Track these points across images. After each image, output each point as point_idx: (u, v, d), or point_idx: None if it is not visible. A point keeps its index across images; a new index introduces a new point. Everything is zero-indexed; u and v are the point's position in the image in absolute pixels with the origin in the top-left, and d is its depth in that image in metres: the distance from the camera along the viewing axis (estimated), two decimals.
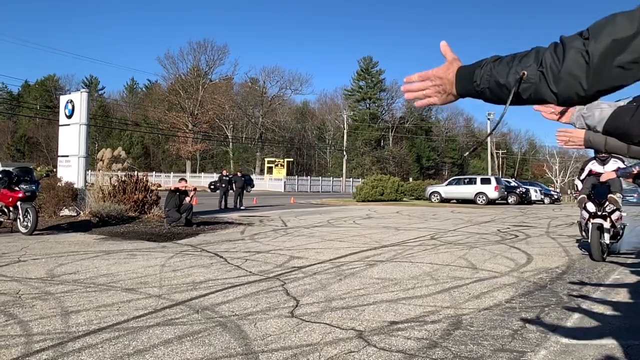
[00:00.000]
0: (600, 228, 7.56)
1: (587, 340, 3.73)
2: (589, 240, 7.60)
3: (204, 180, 51.14)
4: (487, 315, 4.32)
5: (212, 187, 17.00)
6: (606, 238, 7.57)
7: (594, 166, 7.99)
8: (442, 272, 6.38)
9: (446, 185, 31.54)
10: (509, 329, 3.93)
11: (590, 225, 7.65)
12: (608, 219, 7.61)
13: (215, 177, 50.03)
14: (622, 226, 8.03)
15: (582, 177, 8.20)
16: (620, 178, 7.11)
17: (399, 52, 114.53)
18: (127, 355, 3.17)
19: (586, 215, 7.87)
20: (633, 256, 8.18)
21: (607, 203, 7.59)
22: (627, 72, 1.01)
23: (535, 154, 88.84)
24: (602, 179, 7.23)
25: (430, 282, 5.73)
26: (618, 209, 7.70)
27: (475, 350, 3.41)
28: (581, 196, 7.90)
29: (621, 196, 7.69)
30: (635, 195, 31.13)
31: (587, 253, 7.99)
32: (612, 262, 7.53)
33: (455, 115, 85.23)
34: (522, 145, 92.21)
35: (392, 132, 75.22)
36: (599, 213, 7.65)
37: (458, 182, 31.51)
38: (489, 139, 46.80)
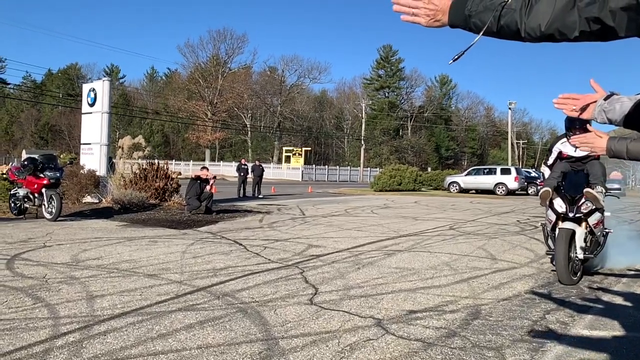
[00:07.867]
0: (570, 236, 5.26)
1: (607, 332, 3.70)
2: (555, 254, 5.34)
3: (223, 168, 51.50)
4: (506, 306, 4.31)
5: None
6: (578, 251, 5.28)
7: (565, 147, 5.67)
8: (460, 262, 6.36)
9: (465, 175, 31.24)
10: (529, 320, 3.92)
11: (557, 232, 5.40)
12: (584, 223, 5.39)
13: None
14: (605, 233, 5.76)
15: (550, 161, 5.90)
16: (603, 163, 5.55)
17: (419, 41, 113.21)
18: (150, 339, 3.25)
19: (553, 217, 5.59)
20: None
21: (582, 200, 5.35)
22: (577, 21, 1.22)
23: None
24: None
25: (449, 272, 5.72)
26: (599, 209, 5.43)
27: (494, 340, 3.41)
28: (545, 189, 5.54)
29: (603, 190, 5.39)
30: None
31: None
32: None
33: (476, 104, 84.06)
34: (543, 136, 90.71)
35: (410, 122, 74.60)
36: (571, 215, 5.39)
37: (477, 172, 31.18)
38: (510, 127, 46.23)
